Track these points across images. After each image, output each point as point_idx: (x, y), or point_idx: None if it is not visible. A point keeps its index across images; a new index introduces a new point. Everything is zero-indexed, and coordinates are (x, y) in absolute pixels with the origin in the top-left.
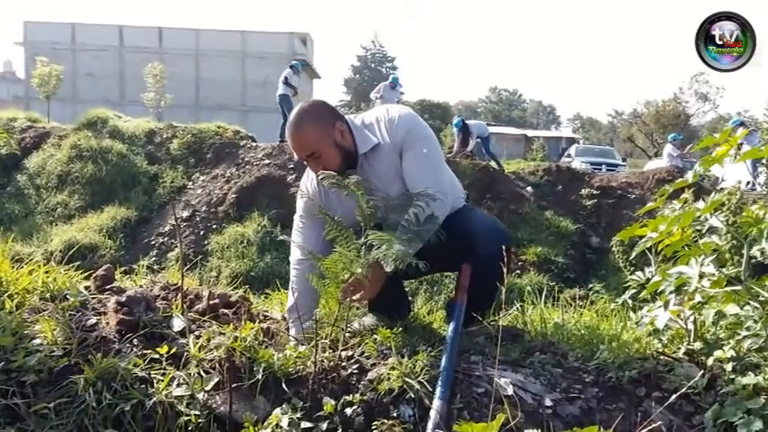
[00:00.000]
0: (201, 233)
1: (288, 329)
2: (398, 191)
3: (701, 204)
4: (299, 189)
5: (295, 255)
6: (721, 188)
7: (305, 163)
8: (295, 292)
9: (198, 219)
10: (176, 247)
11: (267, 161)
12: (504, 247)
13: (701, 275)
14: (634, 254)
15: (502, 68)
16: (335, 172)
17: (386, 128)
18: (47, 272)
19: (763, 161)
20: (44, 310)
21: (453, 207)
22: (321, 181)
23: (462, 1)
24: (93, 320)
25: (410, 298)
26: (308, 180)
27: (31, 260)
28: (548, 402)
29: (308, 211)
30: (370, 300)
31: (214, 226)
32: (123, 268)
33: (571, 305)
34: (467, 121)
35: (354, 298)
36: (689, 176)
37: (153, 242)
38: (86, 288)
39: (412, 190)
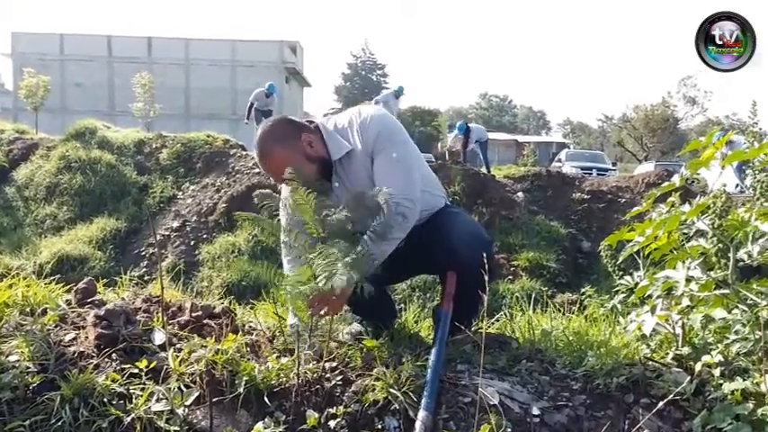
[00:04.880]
0: (192, 243)
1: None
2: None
3: (687, 208)
4: (281, 202)
5: (285, 254)
6: (710, 191)
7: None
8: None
9: (188, 228)
10: (167, 257)
11: (258, 170)
12: (485, 255)
13: (689, 279)
14: (621, 258)
15: (492, 74)
16: (313, 181)
17: (358, 131)
18: (27, 285)
19: (750, 163)
20: (23, 325)
21: (432, 208)
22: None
23: (452, 8)
24: (72, 335)
25: (402, 305)
26: (287, 192)
27: (19, 273)
28: (535, 411)
29: (290, 217)
30: (354, 308)
31: (205, 236)
32: (106, 280)
33: (560, 311)
34: (470, 125)
35: (321, 312)
36: (676, 180)
37: (143, 253)
38: (67, 302)
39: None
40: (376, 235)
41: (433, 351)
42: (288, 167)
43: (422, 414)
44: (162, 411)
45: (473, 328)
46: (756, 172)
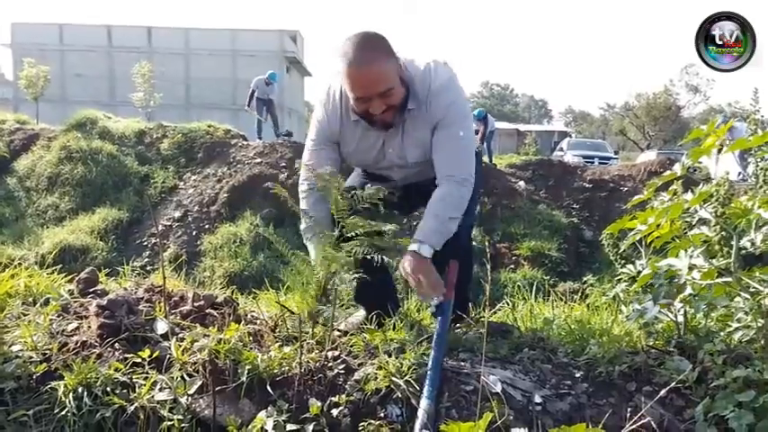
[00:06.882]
0: (194, 233)
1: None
2: (416, 158)
3: (689, 196)
4: (315, 113)
5: (305, 177)
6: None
7: (356, 101)
8: (309, 214)
9: (190, 219)
10: (169, 247)
11: (259, 160)
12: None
13: (691, 267)
14: (623, 247)
15: (494, 63)
16: (398, 108)
17: (429, 93)
18: (30, 276)
19: (751, 151)
20: (26, 315)
21: None
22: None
23: None
24: (75, 325)
25: (404, 294)
26: (330, 108)
27: (21, 264)
28: (537, 399)
29: (322, 136)
30: (357, 297)
31: (206, 226)
32: (108, 270)
33: (562, 300)
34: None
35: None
36: (678, 168)
37: (145, 243)
38: (69, 292)
39: (439, 169)
40: (441, 216)
41: (436, 339)
42: (389, 84)
43: (424, 402)
44: (165, 400)
45: (475, 317)
46: (758, 160)
